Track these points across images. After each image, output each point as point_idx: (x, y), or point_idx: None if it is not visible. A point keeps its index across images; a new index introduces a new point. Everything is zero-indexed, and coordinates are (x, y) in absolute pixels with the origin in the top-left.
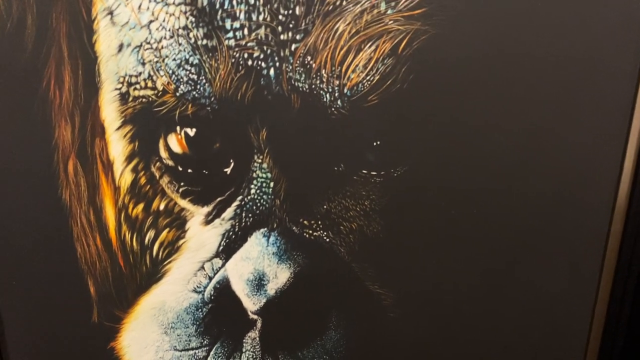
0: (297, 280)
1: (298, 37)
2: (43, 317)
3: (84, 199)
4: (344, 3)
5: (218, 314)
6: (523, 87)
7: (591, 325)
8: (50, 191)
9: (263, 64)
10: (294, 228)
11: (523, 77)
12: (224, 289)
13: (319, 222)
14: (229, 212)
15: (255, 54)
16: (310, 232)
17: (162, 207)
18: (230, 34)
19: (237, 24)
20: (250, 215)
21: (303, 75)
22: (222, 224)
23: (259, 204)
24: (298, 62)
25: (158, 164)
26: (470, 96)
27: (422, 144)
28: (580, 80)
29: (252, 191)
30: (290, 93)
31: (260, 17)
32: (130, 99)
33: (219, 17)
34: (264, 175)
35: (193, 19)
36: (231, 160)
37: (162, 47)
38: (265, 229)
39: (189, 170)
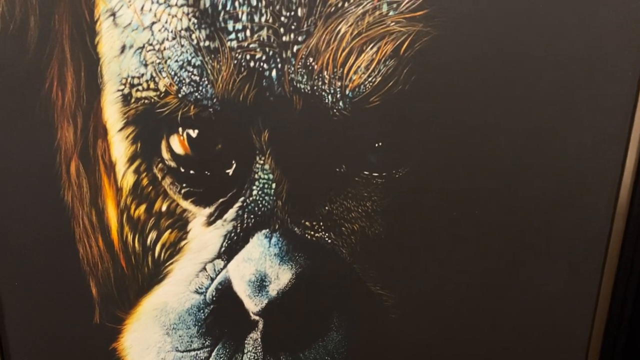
0: (298, 281)
1: (300, 38)
2: (45, 318)
3: (86, 200)
4: (346, 5)
5: (220, 315)
6: (524, 88)
7: (593, 325)
8: (53, 192)
9: (265, 66)
10: (295, 229)
11: (524, 78)
12: (226, 290)
13: (321, 224)
14: (231, 213)
15: (258, 56)
16: (312, 233)
17: (164, 208)
18: (233, 36)
19: (239, 26)
20: (252, 216)
21: (305, 77)
22: (224, 225)
23: (260, 205)
24: (300, 63)
25: (160, 165)
26: (472, 97)
27: (424, 145)
28: (581, 81)
29: (254, 192)
30: (292, 94)
31: (263, 19)
32: (133, 100)
33: (221, 18)
34: (266, 177)
35: (195, 21)
36: (233, 162)
37: (165, 49)
38: (267, 230)
39: (191, 172)
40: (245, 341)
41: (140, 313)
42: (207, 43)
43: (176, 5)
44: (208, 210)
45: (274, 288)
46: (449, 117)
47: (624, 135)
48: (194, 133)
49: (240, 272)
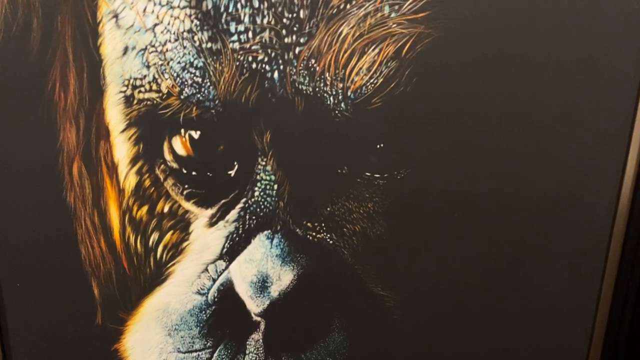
0: (300, 282)
1: (302, 40)
2: (47, 318)
3: (89, 201)
4: (348, 6)
5: (221, 316)
6: (526, 90)
7: (594, 327)
8: (55, 193)
9: (267, 67)
10: (297, 230)
11: (526, 80)
12: (228, 291)
13: (323, 225)
14: (232, 215)
15: (260, 57)
16: (314, 234)
17: (166, 209)
18: (235, 37)
19: (241, 27)
20: (254, 217)
21: (307, 78)
22: (226, 226)
23: (262, 206)
24: (302, 65)
25: (162, 166)
26: (473, 99)
27: (426, 147)
28: (582, 82)
29: (256, 193)
30: (294, 96)
31: (265, 21)
32: (135, 101)
33: (223, 20)
34: (268, 178)
35: (198, 22)
36: (235, 163)
37: (167, 50)
38: (269, 231)
39: (193, 173)
40: (247, 342)
41: (142, 314)
42: (209, 45)
43: (178, 7)
44: (210, 212)
45: (276, 289)
46: (451, 118)
47: (625, 136)
48: (196, 134)
49: (242, 273)
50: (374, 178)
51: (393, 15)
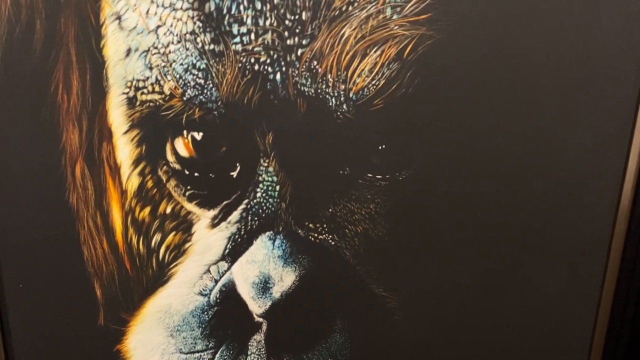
0: (302, 283)
1: (304, 42)
2: (49, 319)
3: (91, 202)
4: (350, 8)
5: (224, 317)
6: (527, 91)
7: (595, 326)
8: (58, 194)
9: (269, 69)
10: (299, 231)
11: (527, 81)
12: (230, 292)
13: (324, 226)
14: (235, 216)
15: (262, 59)
16: (316, 235)
17: (168, 210)
18: (237, 39)
19: (244, 29)
20: (256, 218)
21: (309, 80)
22: (228, 227)
23: (264, 208)
24: (304, 66)
25: (165, 167)
26: (475, 100)
27: (427, 148)
28: (583, 83)
29: (258, 194)
30: (297, 97)
31: (267, 22)
32: (138, 103)
33: (226, 22)
34: (270, 179)
35: (200, 24)
36: (237, 164)
37: (170, 52)
38: (271, 232)
39: (196, 174)
40: (249, 343)
41: (144, 315)
42: (211, 46)
43: (181, 8)
44: (212, 213)
45: (278, 290)
46: (452, 119)
47: (625, 136)
48: (198, 136)
49: (244, 274)
50: (375, 179)
51: (395, 17)
